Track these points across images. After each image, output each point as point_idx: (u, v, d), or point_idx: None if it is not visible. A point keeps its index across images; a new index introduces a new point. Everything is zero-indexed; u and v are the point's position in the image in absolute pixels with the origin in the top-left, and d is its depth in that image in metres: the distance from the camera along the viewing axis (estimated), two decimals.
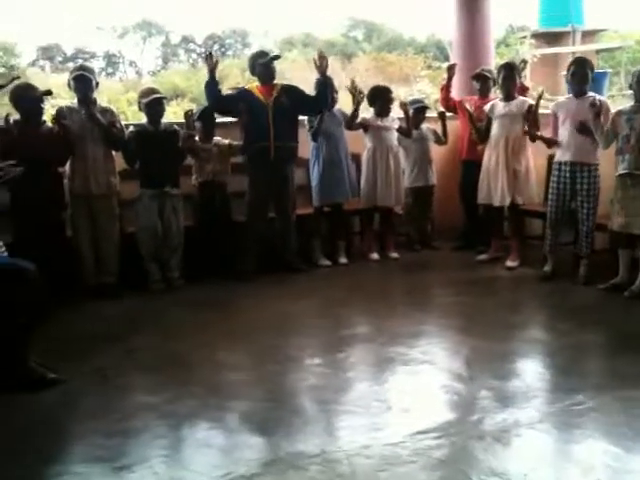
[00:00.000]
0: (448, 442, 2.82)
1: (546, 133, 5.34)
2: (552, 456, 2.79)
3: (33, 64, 28.76)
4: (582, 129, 4.90)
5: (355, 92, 5.70)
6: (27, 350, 3.35)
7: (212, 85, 5.38)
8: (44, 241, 4.69)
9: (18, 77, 4.94)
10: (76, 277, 5.01)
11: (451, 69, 6.31)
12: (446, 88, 6.25)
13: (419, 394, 3.33)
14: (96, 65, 31.12)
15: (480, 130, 5.67)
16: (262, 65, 5.43)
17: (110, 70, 34.55)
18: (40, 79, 17.27)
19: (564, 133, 5.12)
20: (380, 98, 5.95)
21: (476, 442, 2.81)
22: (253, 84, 5.54)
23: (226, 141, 5.54)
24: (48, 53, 33.13)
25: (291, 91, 5.53)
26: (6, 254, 3.76)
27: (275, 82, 5.51)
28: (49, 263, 4.53)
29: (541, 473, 2.59)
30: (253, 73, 5.54)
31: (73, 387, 3.43)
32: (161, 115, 5.20)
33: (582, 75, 5.06)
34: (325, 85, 5.52)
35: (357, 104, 5.72)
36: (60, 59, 33.31)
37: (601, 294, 4.86)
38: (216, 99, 5.41)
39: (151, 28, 35.70)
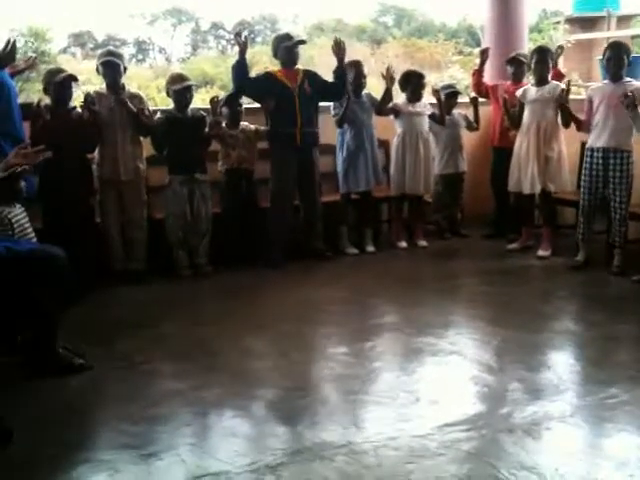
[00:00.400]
0: (477, 435, 2.77)
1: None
2: (584, 450, 2.74)
3: (64, 51, 28.98)
4: (628, 103, 4.70)
5: (387, 77, 5.63)
6: (55, 336, 3.36)
7: (241, 66, 5.28)
8: (73, 227, 4.70)
9: (35, 58, 4.93)
10: (105, 263, 5.03)
11: (484, 53, 6.21)
12: (478, 73, 6.16)
13: (448, 385, 3.29)
14: (126, 52, 31.26)
15: (513, 116, 5.57)
16: (286, 48, 5.35)
17: (140, 57, 34.70)
18: (71, 66, 17.41)
19: (598, 118, 5.00)
20: (412, 83, 5.86)
21: (506, 435, 2.76)
22: (275, 68, 5.49)
23: (253, 127, 5.50)
24: (79, 40, 33.34)
25: (313, 77, 5.48)
26: (35, 240, 3.79)
27: (297, 67, 5.46)
28: (78, 249, 4.58)
29: (572, 468, 2.53)
30: (275, 56, 5.47)
31: (100, 373, 3.44)
32: (189, 102, 5.17)
33: (618, 59, 4.93)
34: (343, 74, 5.46)
35: (388, 89, 5.65)
36: (91, 46, 33.50)
37: (635, 285, 4.76)
38: (243, 81, 5.33)
39: (181, 15, 35.72)
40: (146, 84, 17.96)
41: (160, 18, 35.68)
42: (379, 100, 5.74)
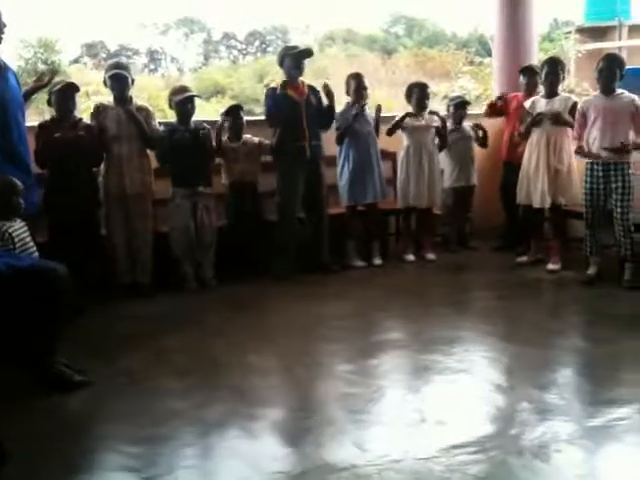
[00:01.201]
0: (485, 457, 2.69)
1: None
2: (593, 474, 2.66)
3: (77, 61, 29.13)
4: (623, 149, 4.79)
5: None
6: (54, 352, 3.32)
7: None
8: (78, 240, 4.69)
9: (56, 72, 4.89)
10: (110, 276, 5.00)
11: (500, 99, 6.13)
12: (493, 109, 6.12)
13: (455, 405, 3.21)
14: (138, 62, 31.46)
15: (528, 129, 5.47)
16: (291, 58, 5.31)
17: (152, 66, 34.85)
18: (81, 76, 17.48)
19: (595, 132, 4.94)
20: (415, 94, 5.82)
21: (514, 458, 2.68)
22: (280, 81, 5.45)
23: (256, 139, 5.46)
24: (92, 50, 33.55)
25: (315, 92, 5.47)
26: (36, 254, 3.75)
27: (302, 79, 5.42)
28: (83, 262, 4.57)
29: None
30: (282, 66, 5.42)
31: (100, 390, 3.39)
32: (192, 114, 5.14)
33: (610, 72, 4.89)
34: (332, 112, 5.47)
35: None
36: (104, 56, 33.69)
37: None
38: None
39: (193, 25, 35.88)
40: (157, 94, 17.99)
41: (172, 28, 35.85)
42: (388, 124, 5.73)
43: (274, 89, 5.38)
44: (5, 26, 3.96)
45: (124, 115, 4.91)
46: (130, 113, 4.90)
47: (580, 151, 5.06)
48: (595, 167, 4.99)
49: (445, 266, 5.78)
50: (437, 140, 5.90)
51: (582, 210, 5.40)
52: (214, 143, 5.21)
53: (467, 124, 6.16)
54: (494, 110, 6.14)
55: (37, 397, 3.29)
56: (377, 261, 5.75)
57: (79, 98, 5.28)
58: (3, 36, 4.03)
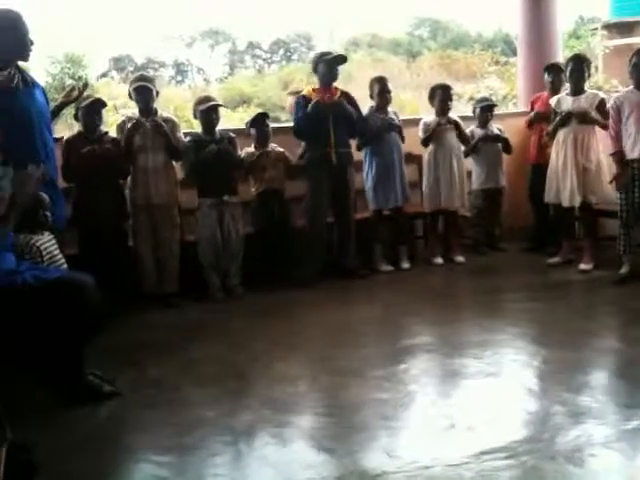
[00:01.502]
0: (517, 463, 2.63)
1: None
2: (631, 479, 2.57)
3: (105, 75, 29.50)
4: None
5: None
6: (82, 363, 3.33)
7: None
8: (107, 252, 4.73)
9: (86, 86, 4.91)
10: (138, 286, 5.02)
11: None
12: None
13: (485, 410, 3.14)
14: (165, 74, 31.77)
15: (555, 127, 5.39)
16: (325, 64, 5.32)
17: (179, 78, 35.18)
18: (109, 90, 17.69)
19: (631, 129, 4.84)
20: (438, 95, 5.78)
21: (547, 463, 2.61)
22: (309, 88, 5.45)
23: (281, 149, 5.45)
24: (120, 64, 33.99)
25: (349, 99, 5.45)
26: (65, 266, 3.78)
27: (335, 85, 5.41)
28: (112, 273, 4.60)
29: None
30: (315, 72, 5.43)
31: (129, 400, 3.40)
32: (216, 123, 5.16)
33: None
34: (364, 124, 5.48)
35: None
36: (131, 69, 34.10)
37: None
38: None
39: (218, 36, 36.17)
40: (183, 105, 18.16)
41: (198, 40, 36.19)
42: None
43: (306, 98, 5.37)
44: (33, 43, 4.01)
45: (150, 127, 4.93)
46: (156, 124, 4.92)
47: (616, 157, 4.96)
48: (630, 164, 4.88)
49: (474, 269, 5.71)
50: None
51: (613, 208, 5.31)
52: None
53: (495, 126, 6.09)
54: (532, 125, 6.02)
55: (66, 408, 3.29)
56: (405, 265, 5.70)
57: (106, 112, 5.32)
58: (31, 53, 4.07)
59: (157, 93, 5.09)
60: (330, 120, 5.28)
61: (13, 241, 3.37)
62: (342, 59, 5.43)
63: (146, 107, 4.97)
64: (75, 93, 4.56)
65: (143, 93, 4.96)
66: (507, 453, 2.70)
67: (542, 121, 5.72)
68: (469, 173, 6.04)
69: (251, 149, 5.40)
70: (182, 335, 4.37)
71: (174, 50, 34.59)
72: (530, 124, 5.95)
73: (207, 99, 5.22)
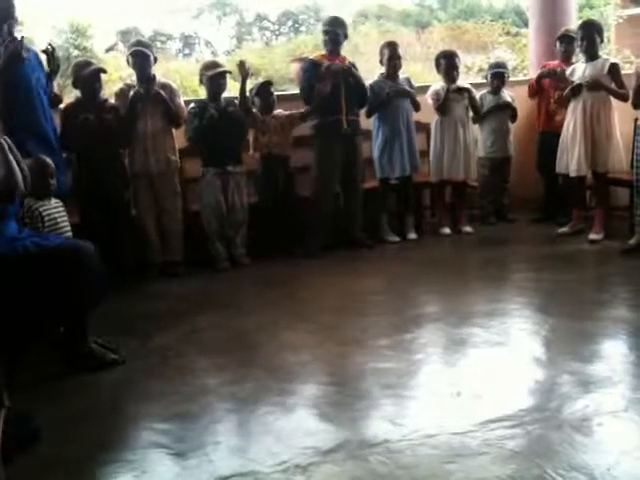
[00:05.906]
0: (522, 432, 2.58)
1: None
2: (638, 448, 2.52)
3: (113, 48, 29.30)
4: None
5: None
6: (86, 331, 3.31)
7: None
8: (109, 221, 4.69)
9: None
10: (142, 255, 4.99)
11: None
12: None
13: (491, 379, 3.10)
14: (173, 47, 31.50)
15: (567, 98, 5.27)
16: (330, 33, 5.25)
17: (187, 51, 34.89)
18: (116, 62, 17.53)
19: None
20: (443, 64, 5.67)
21: (554, 432, 2.57)
22: (318, 54, 5.36)
23: (286, 112, 5.36)
24: (127, 36, 33.73)
25: (356, 68, 5.38)
26: (70, 234, 3.74)
27: (343, 55, 5.33)
28: (115, 242, 4.57)
29: (626, 467, 2.33)
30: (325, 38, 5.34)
31: (133, 368, 3.37)
32: (223, 90, 5.07)
33: None
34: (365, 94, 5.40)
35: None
36: None
37: None
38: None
39: (225, 7, 35.79)
40: (190, 77, 18.00)
41: (205, 12, 35.81)
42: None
43: (315, 62, 5.28)
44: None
45: (146, 94, 4.84)
46: (153, 91, 4.83)
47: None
48: None
49: (482, 239, 5.65)
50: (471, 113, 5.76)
51: (626, 177, 5.21)
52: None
53: (507, 92, 5.98)
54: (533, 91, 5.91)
55: (69, 376, 3.28)
56: (412, 235, 5.64)
57: (111, 82, 5.25)
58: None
59: (155, 59, 5.00)
60: (342, 86, 5.19)
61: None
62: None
63: (142, 72, 4.88)
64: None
65: (140, 58, 4.87)
66: (513, 422, 2.65)
67: (551, 81, 5.59)
68: (477, 141, 5.93)
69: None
70: (186, 304, 4.34)
71: (181, 22, 34.28)
72: (538, 80, 5.82)
73: (215, 64, 5.12)
